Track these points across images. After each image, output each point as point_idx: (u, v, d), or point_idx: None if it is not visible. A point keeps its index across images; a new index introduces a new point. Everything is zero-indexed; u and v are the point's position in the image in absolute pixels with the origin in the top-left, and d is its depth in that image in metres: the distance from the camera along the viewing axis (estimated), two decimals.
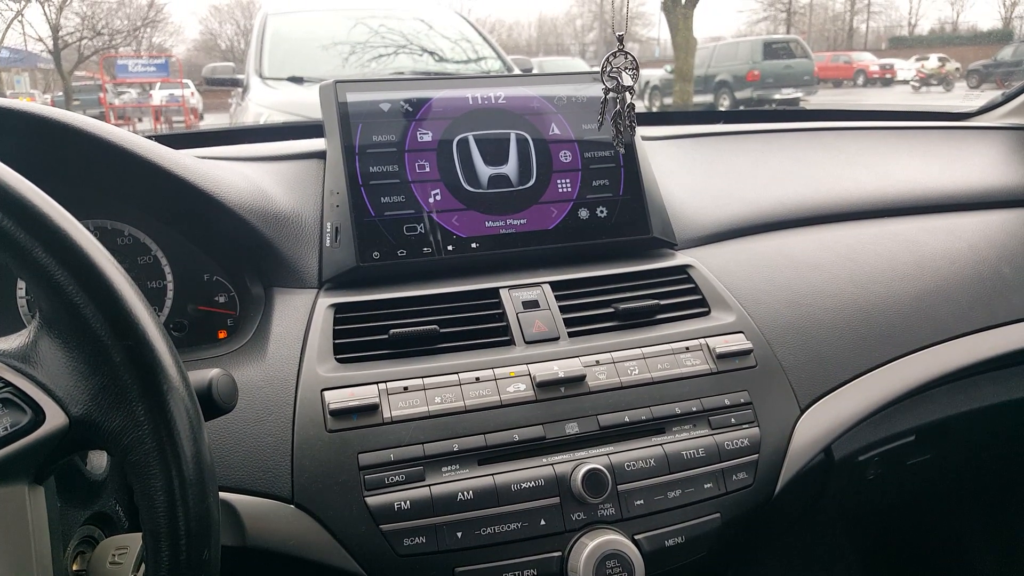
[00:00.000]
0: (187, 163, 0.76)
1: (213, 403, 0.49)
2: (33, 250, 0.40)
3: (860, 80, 19.85)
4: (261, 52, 4.01)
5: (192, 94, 15.62)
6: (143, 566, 0.58)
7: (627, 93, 0.62)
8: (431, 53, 4.20)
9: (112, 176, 0.76)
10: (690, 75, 10.81)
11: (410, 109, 0.83)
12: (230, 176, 0.79)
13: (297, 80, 3.66)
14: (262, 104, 3.46)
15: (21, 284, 0.79)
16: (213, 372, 0.49)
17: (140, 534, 0.59)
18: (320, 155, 0.86)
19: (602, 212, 0.86)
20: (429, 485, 0.65)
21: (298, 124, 0.96)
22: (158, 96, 14.87)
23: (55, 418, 0.42)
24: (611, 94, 0.62)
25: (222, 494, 0.64)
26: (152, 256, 0.84)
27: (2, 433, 0.40)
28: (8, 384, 0.41)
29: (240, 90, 4.01)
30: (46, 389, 0.42)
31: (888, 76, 19.34)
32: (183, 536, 0.41)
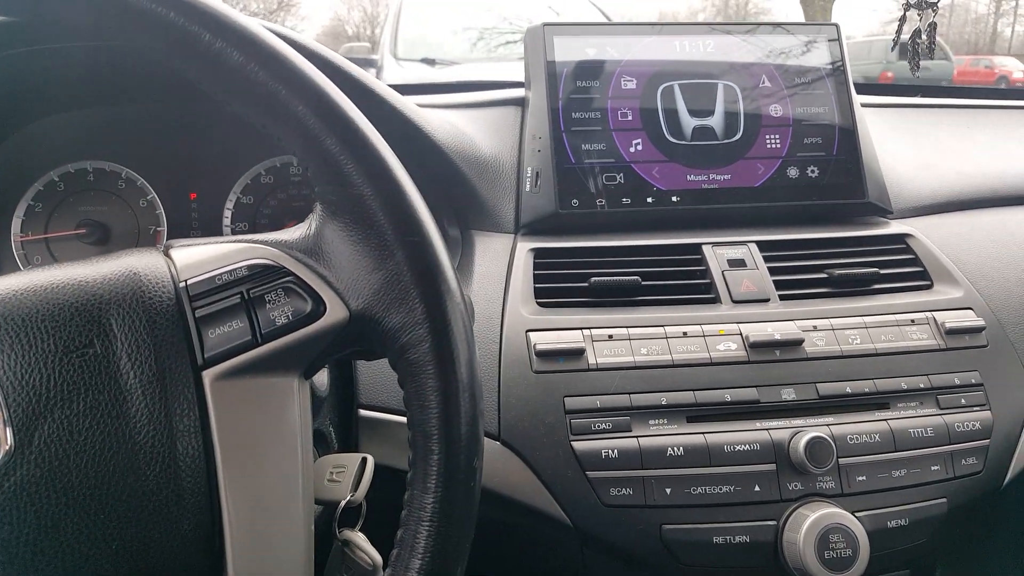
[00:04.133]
0: (416, 108, 0.76)
1: None
2: (327, 139, 0.39)
3: (1003, 86, 18.27)
4: (396, 34, 4.13)
5: None
6: (361, 484, 0.58)
7: (931, 10, 0.56)
8: None
9: None
10: None
11: (615, 55, 0.79)
12: (438, 121, 0.79)
13: (429, 62, 3.73)
14: (395, 84, 3.55)
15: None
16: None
17: (355, 454, 0.59)
18: (517, 102, 0.85)
19: (813, 172, 0.80)
20: (637, 436, 0.62)
21: (490, 83, 0.95)
22: None
23: (336, 311, 0.41)
24: (911, 10, 0.56)
25: None
26: None
27: (284, 321, 0.40)
28: (290, 274, 0.41)
29: (374, 70, 4.14)
30: (327, 281, 0.41)
31: None
32: (456, 439, 0.39)
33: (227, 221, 0.83)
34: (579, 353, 0.64)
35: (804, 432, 0.61)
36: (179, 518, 0.38)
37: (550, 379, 0.64)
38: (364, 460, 0.59)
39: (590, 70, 0.79)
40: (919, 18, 0.74)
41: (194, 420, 0.38)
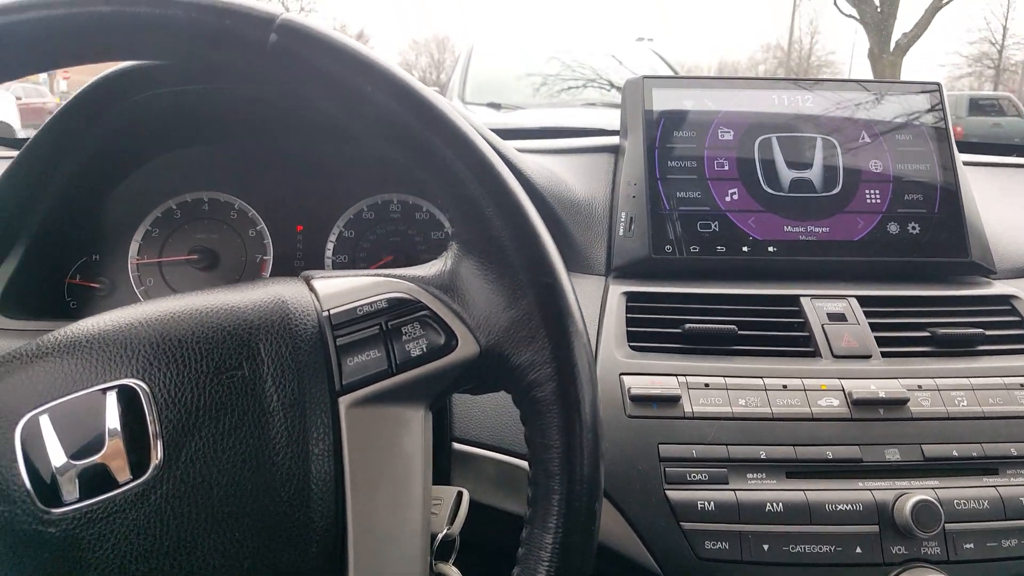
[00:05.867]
0: (516, 152, 0.79)
1: None
2: (470, 183, 0.41)
3: None
4: (465, 79, 4.25)
5: None
6: (457, 518, 0.59)
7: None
8: (618, 88, 4.23)
9: None
10: None
11: (712, 106, 0.81)
12: (536, 165, 0.81)
13: (495, 106, 3.82)
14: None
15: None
16: None
17: (450, 487, 0.60)
18: (611, 149, 0.86)
19: (914, 228, 0.78)
20: (734, 490, 0.61)
21: (579, 128, 0.98)
22: None
23: (467, 346, 0.42)
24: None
25: (520, 462, 0.65)
26: (445, 233, 0.89)
27: (418, 353, 0.42)
28: (426, 308, 0.43)
29: None
30: (460, 317, 0.43)
31: None
32: (579, 480, 0.40)
33: (329, 253, 0.87)
34: (674, 400, 0.64)
35: (910, 495, 0.59)
36: (308, 541, 0.39)
37: (644, 424, 0.64)
38: (460, 494, 0.60)
39: (687, 120, 0.80)
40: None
41: (328, 445, 0.40)
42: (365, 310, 0.42)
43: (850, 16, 13.94)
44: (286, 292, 0.43)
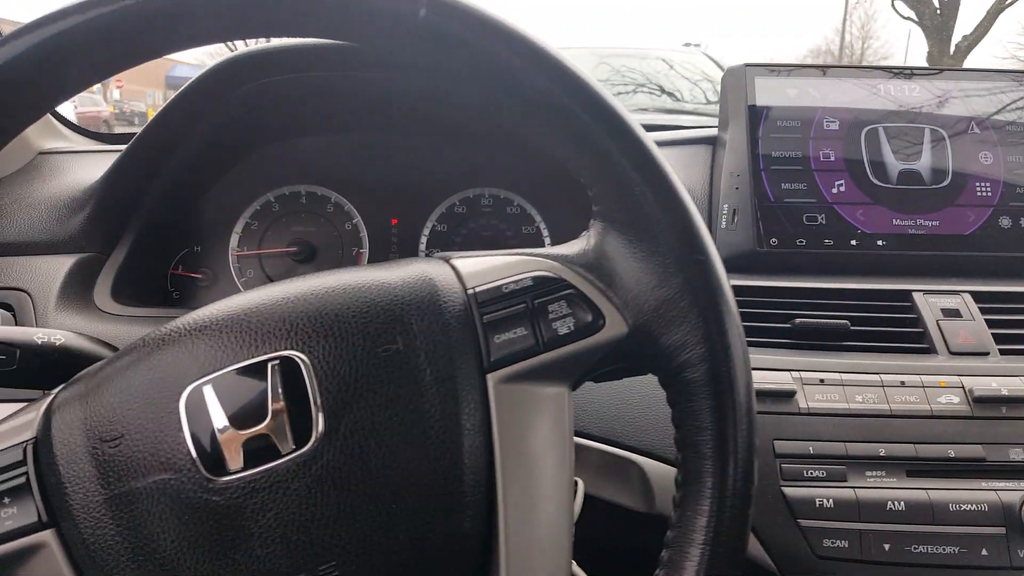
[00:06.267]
0: None
1: None
2: (621, 159, 0.40)
3: None
4: None
5: None
6: (574, 508, 0.59)
7: None
8: (669, 94, 4.15)
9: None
10: None
11: (817, 96, 0.79)
12: None
13: None
14: None
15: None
16: None
17: None
18: (708, 141, 0.85)
19: None
20: (853, 487, 0.60)
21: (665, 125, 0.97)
22: None
23: (615, 325, 0.41)
24: None
25: (633, 456, 0.65)
26: (535, 227, 0.89)
27: (565, 331, 0.41)
28: (572, 287, 0.42)
29: None
30: (606, 296, 0.42)
31: None
32: (733, 463, 0.39)
33: (422, 246, 0.88)
34: (789, 395, 0.63)
35: None
36: (461, 515, 0.39)
37: (758, 419, 0.63)
38: (576, 483, 0.60)
39: (791, 110, 0.79)
40: None
41: (479, 420, 0.39)
42: (511, 287, 0.41)
43: (908, 18, 13.49)
44: (431, 270, 0.43)
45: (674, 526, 0.40)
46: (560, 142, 0.42)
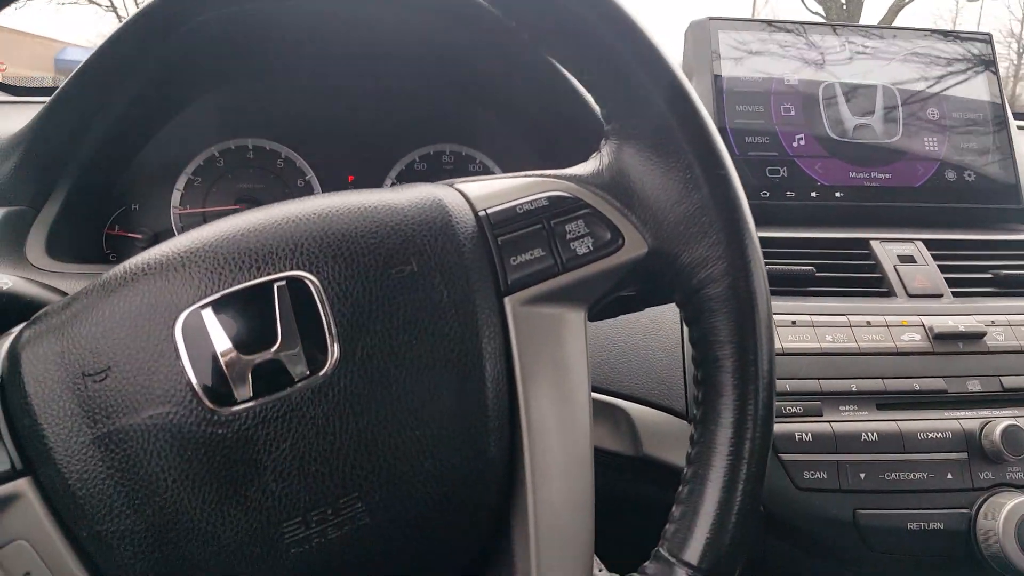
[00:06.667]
0: None
1: None
2: (640, 70, 0.39)
3: None
4: None
5: None
6: None
7: None
8: None
9: None
10: None
11: (778, 51, 0.81)
12: None
13: None
14: None
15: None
16: None
17: None
18: None
19: (970, 176, 0.81)
20: (829, 421, 0.62)
21: None
22: None
23: (634, 244, 0.40)
24: None
25: (618, 401, 0.64)
26: None
27: (584, 251, 0.40)
28: (589, 206, 0.41)
29: None
30: (624, 215, 0.41)
31: None
32: (756, 376, 0.38)
33: None
34: None
35: (998, 422, 0.61)
36: (486, 441, 0.37)
37: None
38: None
39: (753, 64, 0.80)
40: None
41: (499, 343, 0.38)
42: (525, 208, 0.40)
43: (816, 13, 14.17)
44: (439, 192, 0.41)
45: (696, 442, 0.40)
46: (576, 54, 0.41)
